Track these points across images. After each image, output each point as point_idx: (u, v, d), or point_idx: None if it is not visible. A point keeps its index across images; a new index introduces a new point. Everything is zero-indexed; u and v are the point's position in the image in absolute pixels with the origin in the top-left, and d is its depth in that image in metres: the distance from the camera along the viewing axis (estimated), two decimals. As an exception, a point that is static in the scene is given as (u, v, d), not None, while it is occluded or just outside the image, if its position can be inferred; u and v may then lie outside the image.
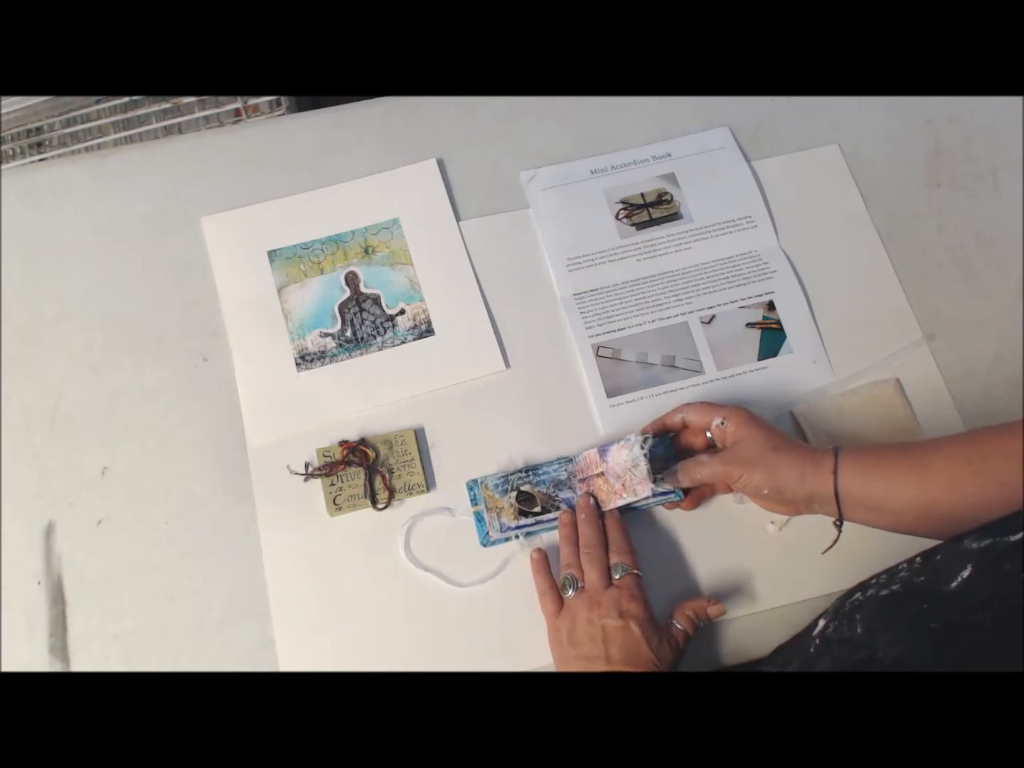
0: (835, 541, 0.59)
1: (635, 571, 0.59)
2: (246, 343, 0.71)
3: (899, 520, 0.54)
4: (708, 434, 0.62)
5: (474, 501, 0.65)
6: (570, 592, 0.59)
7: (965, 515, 0.51)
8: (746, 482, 0.58)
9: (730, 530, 0.65)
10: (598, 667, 0.55)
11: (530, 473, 0.65)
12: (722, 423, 0.60)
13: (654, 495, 0.61)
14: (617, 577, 0.59)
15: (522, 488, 0.64)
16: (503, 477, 0.65)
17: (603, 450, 0.63)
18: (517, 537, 0.64)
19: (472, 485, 0.65)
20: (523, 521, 0.63)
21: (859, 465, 0.56)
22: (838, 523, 0.58)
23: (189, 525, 0.65)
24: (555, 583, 0.61)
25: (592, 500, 0.63)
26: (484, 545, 0.64)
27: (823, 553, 0.60)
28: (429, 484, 0.66)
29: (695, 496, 0.64)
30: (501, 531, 0.63)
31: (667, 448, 0.64)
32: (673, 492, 0.62)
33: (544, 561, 0.62)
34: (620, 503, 0.62)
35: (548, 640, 0.60)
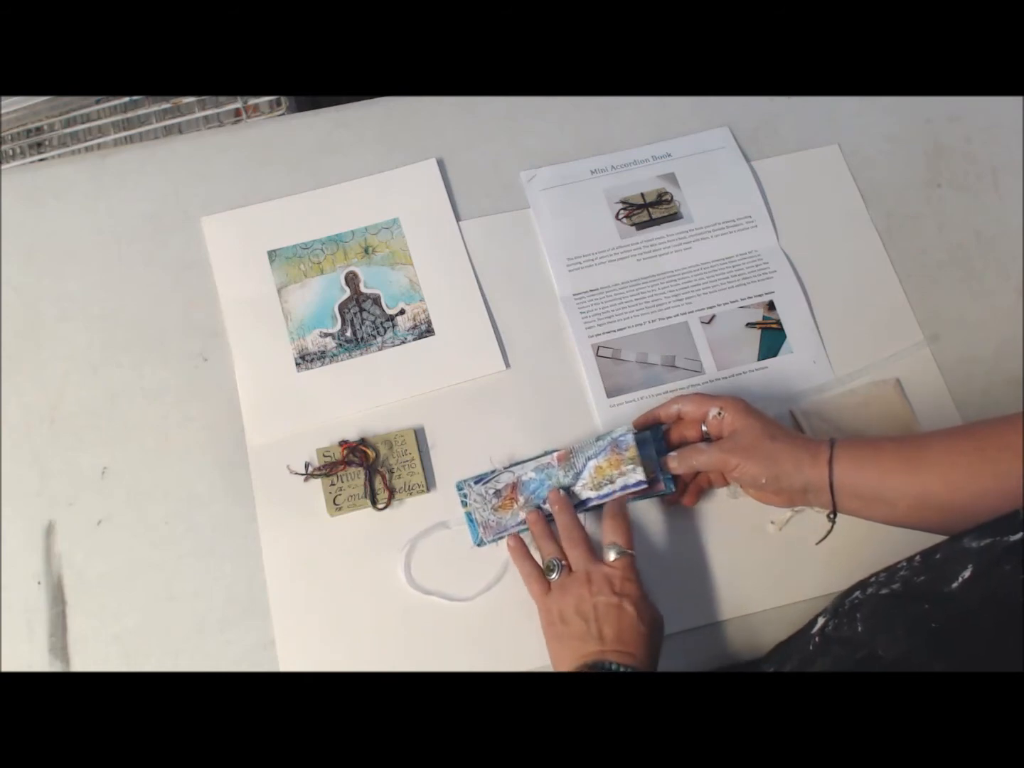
0: (828, 532, 0.59)
1: (629, 552, 0.58)
2: (246, 343, 0.71)
3: (893, 511, 0.55)
4: (703, 427, 0.62)
5: (464, 503, 0.65)
6: (555, 574, 0.58)
7: (959, 506, 0.51)
8: (743, 471, 0.58)
9: (729, 530, 0.65)
10: (591, 647, 0.54)
11: (509, 470, 0.65)
12: (719, 413, 0.61)
13: (636, 486, 0.62)
14: (612, 558, 0.58)
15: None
16: (481, 477, 0.65)
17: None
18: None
19: (461, 485, 0.65)
20: (520, 516, 0.63)
21: (854, 455, 0.56)
22: (831, 515, 0.58)
23: (189, 525, 0.65)
24: (539, 566, 0.61)
25: (562, 492, 0.62)
26: (478, 545, 0.64)
27: (816, 544, 0.61)
28: (429, 484, 0.66)
29: (694, 490, 0.64)
30: (495, 532, 0.63)
31: (659, 441, 0.64)
32: (662, 485, 0.63)
33: (522, 546, 0.62)
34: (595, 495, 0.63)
35: (540, 622, 0.59)
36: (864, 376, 0.70)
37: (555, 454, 0.65)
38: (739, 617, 0.63)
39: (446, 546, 0.64)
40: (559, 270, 0.73)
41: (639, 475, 0.61)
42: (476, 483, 0.65)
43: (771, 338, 0.71)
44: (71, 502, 0.66)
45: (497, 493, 0.64)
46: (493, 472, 0.65)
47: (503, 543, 0.64)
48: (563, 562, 0.59)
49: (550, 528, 0.62)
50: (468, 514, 0.64)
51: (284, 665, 0.62)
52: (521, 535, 0.63)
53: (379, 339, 0.71)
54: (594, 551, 0.59)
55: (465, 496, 0.65)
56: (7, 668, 0.61)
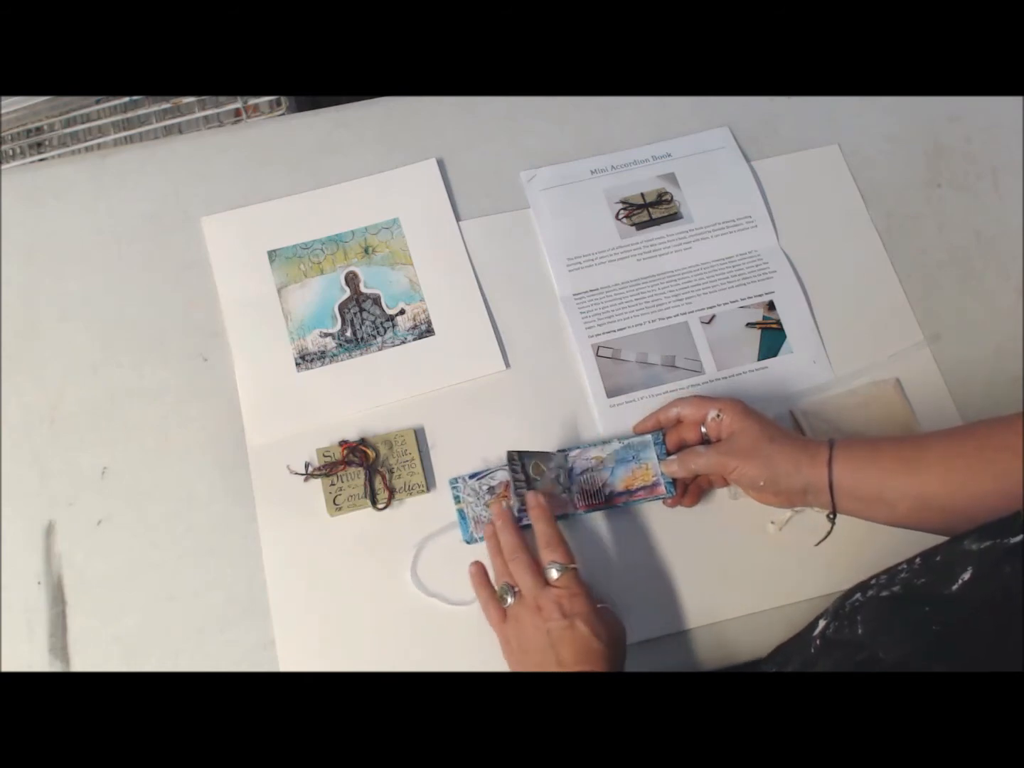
0: (828, 534, 0.59)
1: (571, 566, 0.57)
2: (246, 343, 0.71)
3: (893, 512, 0.55)
4: (702, 428, 0.62)
5: (457, 499, 0.65)
6: (509, 600, 0.58)
7: (959, 507, 0.51)
8: (742, 473, 0.58)
9: (729, 530, 0.65)
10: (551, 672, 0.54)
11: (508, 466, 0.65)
12: (718, 415, 0.61)
13: (634, 491, 0.62)
14: (555, 577, 0.57)
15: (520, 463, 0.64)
16: (476, 473, 0.65)
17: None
18: None
19: (455, 481, 0.65)
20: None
21: (854, 456, 0.56)
22: (831, 516, 0.58)
23: (189, 525, 0.65)
24: (495, 593, 0.60)
25: (505, 504, 0.62)
26: (468, 542, 0.64)
27: (816, 545, 0.61)
28: (429, 484, 0.66)
29: (695, 491, 0.64)
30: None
31: (659, 444, 0.64)
32: (662, 488, 0.63)
33: (483, 573, 0.62)
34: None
35: (500, 649, 0.59)
36: (864, 376, 0.70)
37: None
38: (739, 617, 0.63)
39: (448, 547, 0.64)
40: (559, 270, 0.73)
41: (513, 500, 0.62)
42: (471, 479, 0.65)
43: (771, 338, 0.71)
44: (71, 502, 0.66)
45: (491, 490, 0.65)
46: (488, 469, 0.65)
47: None
48: (515, 588, 0.58)
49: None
50: (460, 511, 0.64)
51: (284, 665, 0.62)
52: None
53: (379, 339, 0.71)
54: (540, 571, 0.58)
55: (458, 492, 0.65)
56: (7, 668, 0.61)
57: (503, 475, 0.65)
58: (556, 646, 0.54)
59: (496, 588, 0.60)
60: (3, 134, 0.98)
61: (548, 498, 0.62)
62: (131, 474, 0.67)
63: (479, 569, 0.62)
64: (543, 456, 0.64)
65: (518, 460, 0.63)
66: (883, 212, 0.76)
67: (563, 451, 0.65)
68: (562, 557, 0.57)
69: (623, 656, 0.56)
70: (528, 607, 0.56)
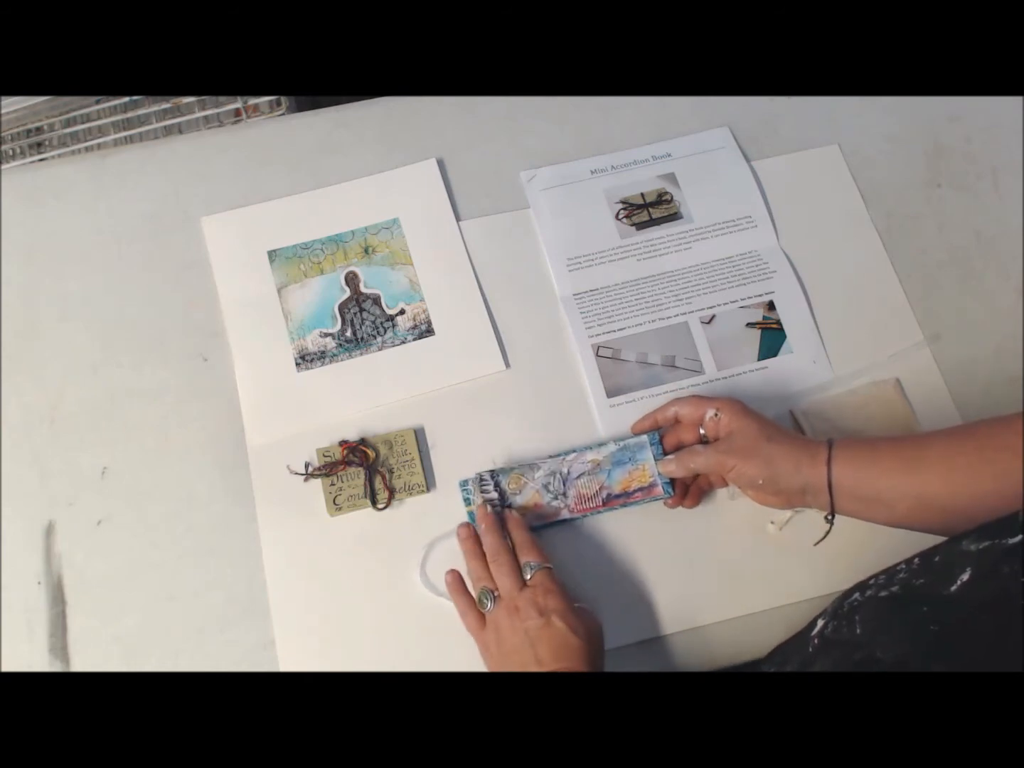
0: (826, 534, 0.59)
1: (545, 565, 0.58)
2: (246, 343, 0.71)
3: (892, 512, 0.55)
4: (701, 429, 0.62)
5: (467, 501, 0.65)
6: (488, 606, 0.58)
7: (959, 507, 0.51)
8: (740, 472, 0.58)
9: (729, 530, 0.65)
10: (531, 671, 0.54)
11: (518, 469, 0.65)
12: (716, 415, 0.61)
13: (631, 492, 0.63)
14: (528, 576, 0.58)
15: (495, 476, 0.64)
16: (486, 472, 0.65)
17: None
18: None
19: (465, 483, 0.65)
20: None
21: (853, 456, 0.56)
22: (830, 516, 0.58)
23: (189, 525, 0.65)
24: (473, 600, 0.60)
25: (488, 508, 0.63)
26: None
27: (815, 545, 0.61)
28: (429, 484, 0.66)
29: (695, 492, 0.64)
30: None
31: (656, 445, 0.64)
32: (659, 489, 0.63)
33: (459, 580, 0.62)
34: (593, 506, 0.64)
35: (480, 656, 0.59)
36: (864, 376, 0.70)
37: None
38: (739, 617, 0.63)
39: (451, 548, 0.64)
40: (559, 270, 0.73)
41: None
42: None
43: (771, 338, 0.71)
44: (71, 502, 0.66)
45: None
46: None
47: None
48: (495, 592, 0.58)
49: (480, 548, 0.61)
50: (471, 513, 0.64)
51: (284, 665, 0.62)
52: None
53: (379, 339, 0.71)
54: (520, 573, 0.59)
55: (468, 494, 0.65)
56: (7, 668, 0.61)
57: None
58: (535, 645, 0.54)
59: (474, 594, 0.60)
60: (3, 134, 0.98)
61: (534, 508, 0.63)
62: (131, 474, 0.67)
63: (456, 577, 0.62)
64: (528, 467, 0.65)
65: (490, 480, 0.64)
66: (883, 212, 0.76)
67: (557, 456, 0.65)
68: (535, 557, 0.59)
69: (601, 653, 0.57)
70: (506, 608, 0.57)
